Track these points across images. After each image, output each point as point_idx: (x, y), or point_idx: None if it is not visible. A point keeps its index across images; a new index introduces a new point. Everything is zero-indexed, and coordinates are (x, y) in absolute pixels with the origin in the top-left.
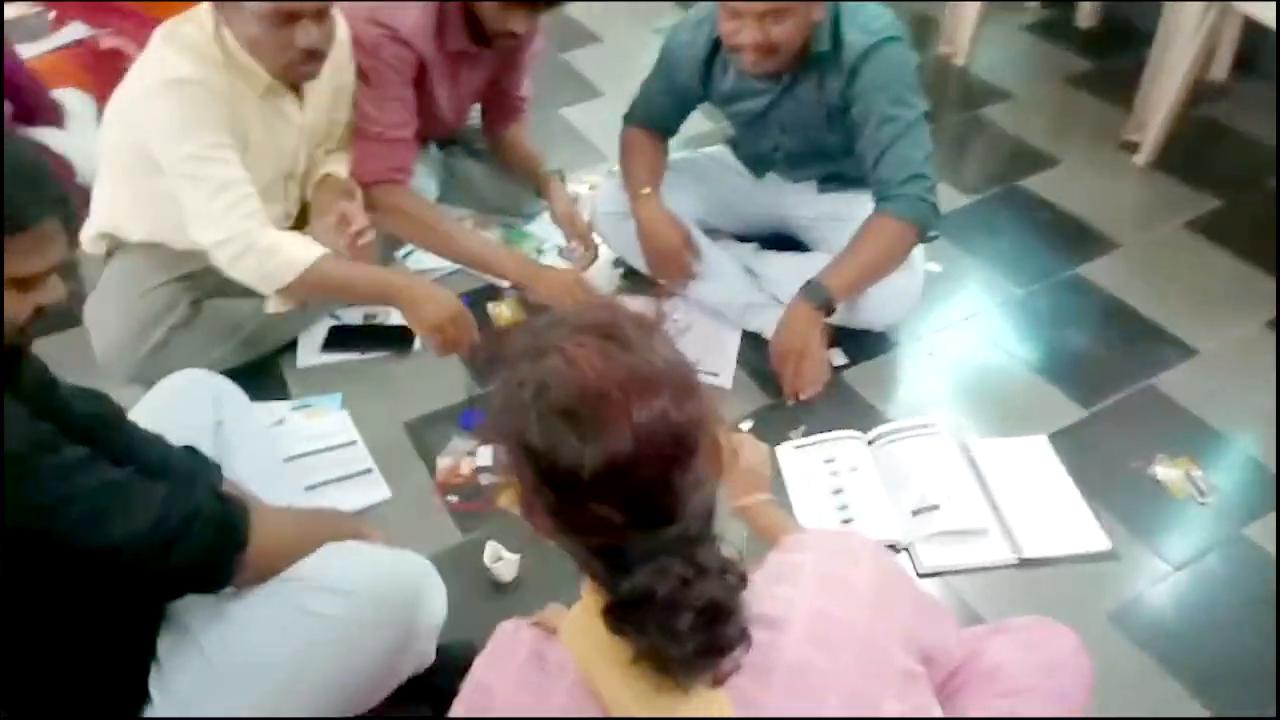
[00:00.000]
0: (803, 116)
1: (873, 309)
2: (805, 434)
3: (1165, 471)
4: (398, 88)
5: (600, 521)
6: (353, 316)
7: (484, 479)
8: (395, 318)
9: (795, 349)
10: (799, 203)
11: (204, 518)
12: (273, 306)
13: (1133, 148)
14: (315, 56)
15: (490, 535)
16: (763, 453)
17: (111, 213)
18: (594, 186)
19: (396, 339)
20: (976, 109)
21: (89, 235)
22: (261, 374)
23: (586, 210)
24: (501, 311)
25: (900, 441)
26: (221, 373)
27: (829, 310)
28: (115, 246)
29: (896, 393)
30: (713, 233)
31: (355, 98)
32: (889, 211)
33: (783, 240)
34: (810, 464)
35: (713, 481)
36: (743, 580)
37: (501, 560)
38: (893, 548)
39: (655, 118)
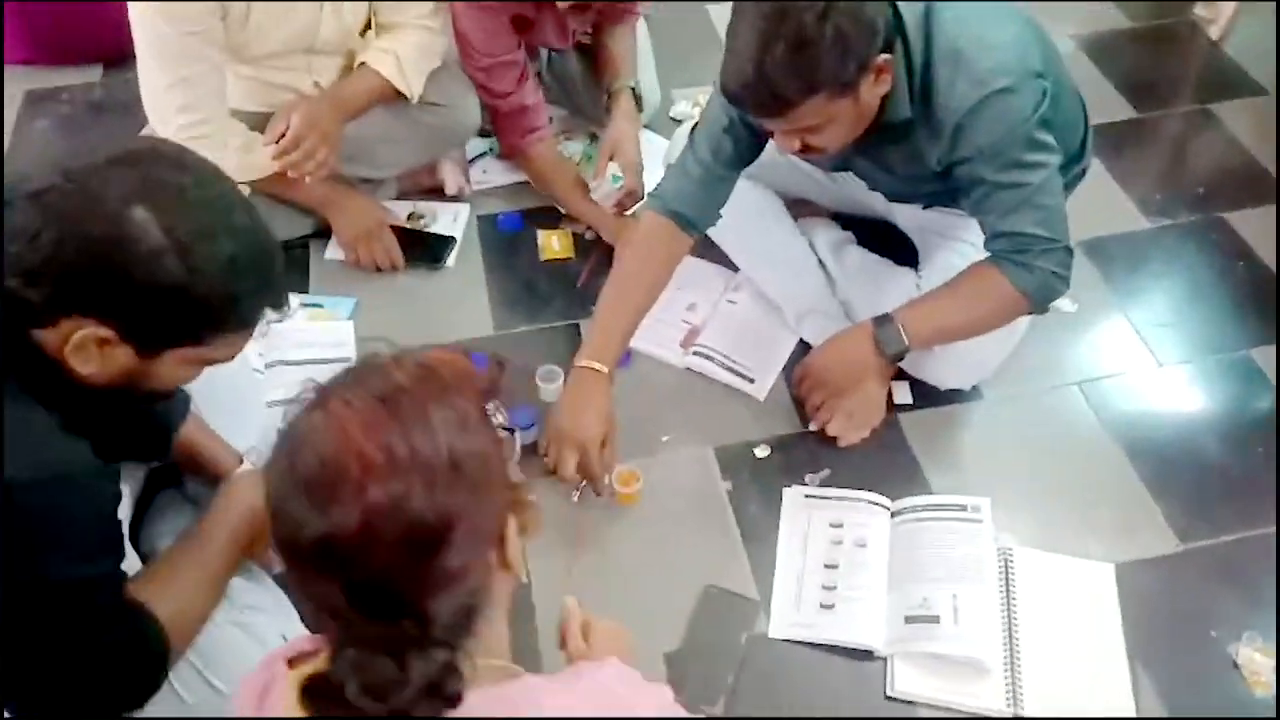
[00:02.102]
0: (891, 172)
1: (938, 365)
2: (824, 482)
3: (1249, 655)
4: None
5: (319, 594)
6: (399, 211)
7: None
8: (441, 222)
9: (832, 383)
10: (901, 209)
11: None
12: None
13: None
14: None
15: None
16: (621, 644)
17: None
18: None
19: (430, 252)
20: (1211, 101)
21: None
22: (285, 257)
23: (668, 147)
24: (550, 242)
25: (930, 523)
26: None
27: (897, 357)
28: None
29: (956, 456)
30: (799, 205)
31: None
32: (1007, 273)
33: (888, 231)
34: (814, 523)
35: (482, 585)
36: (452, 702)
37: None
38: (868, 654)
39: (700, 201)
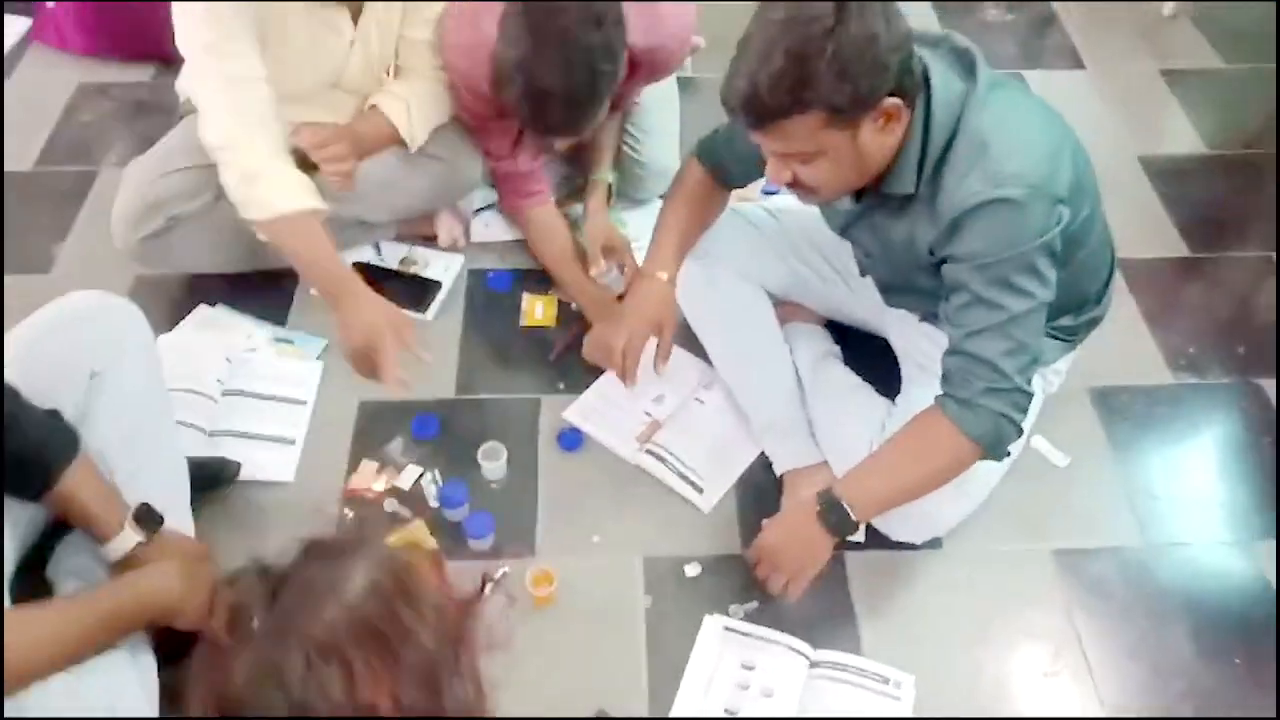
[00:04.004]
0: (888, 249)
1: (895, 522)
2: (749, 615)
3: None
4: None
5: None
6: (391, 255)
7: (390, 505)
8: (432, 269)
9: (786, 566)
10: (895, 323)
11: None
12: (260, 236)
13: None
14: None
15: None
16: None
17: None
18: None
19: (414, 296)
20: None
21: (180, 84)
22: (270, 286)
23: None
24: (534, 308)
25: (846, 686)
26: (230, 277)
27: (846, 532)
28: (188, 110)
29: (897, 611)
30: (791, 309)
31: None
32: (951, 417)
33: (881, 351)
34: (725, 660)
35: None
36: None
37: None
38: None
39: (732, 159)
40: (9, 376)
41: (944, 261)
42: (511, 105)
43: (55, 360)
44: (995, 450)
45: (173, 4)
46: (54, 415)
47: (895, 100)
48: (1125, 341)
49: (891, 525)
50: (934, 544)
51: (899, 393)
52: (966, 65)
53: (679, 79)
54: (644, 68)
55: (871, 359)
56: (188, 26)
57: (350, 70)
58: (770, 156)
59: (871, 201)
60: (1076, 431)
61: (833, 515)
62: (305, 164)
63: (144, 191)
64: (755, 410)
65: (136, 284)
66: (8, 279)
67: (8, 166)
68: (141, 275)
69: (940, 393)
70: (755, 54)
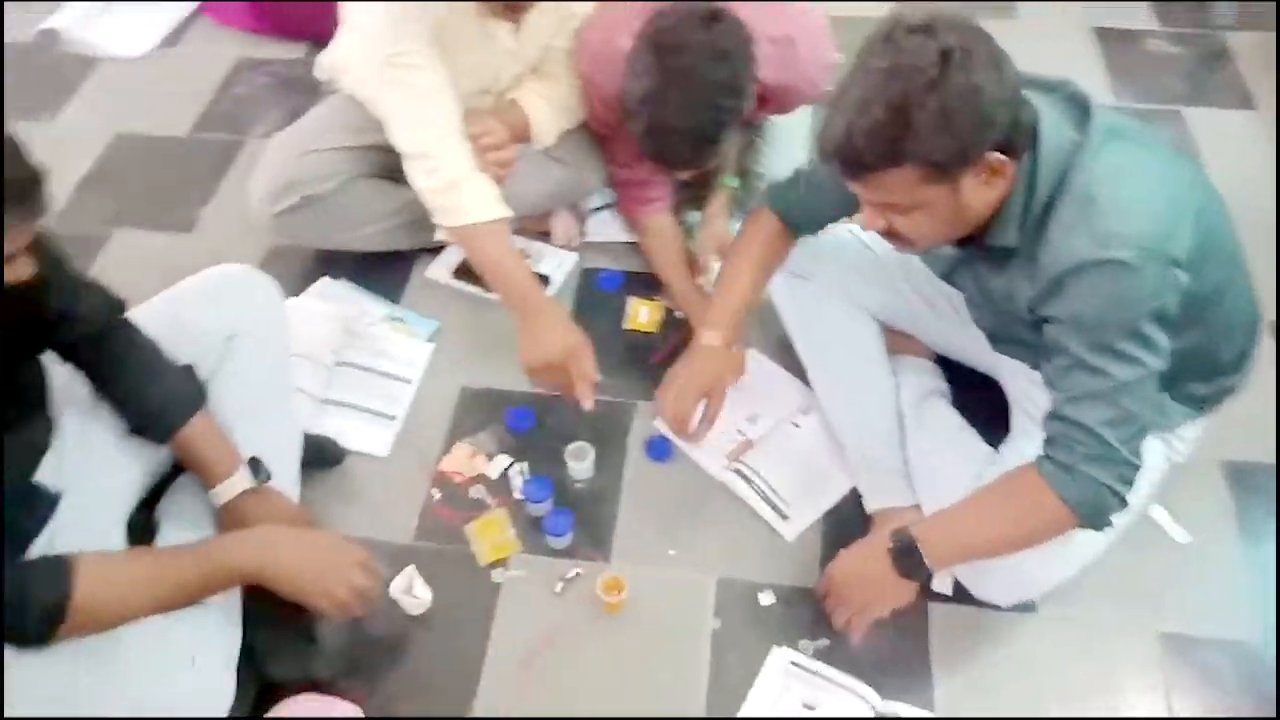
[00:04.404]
0: (990, 300)
1: (976, 574)
2: (818, 653)
3: None
4: (613, 128)
5: None
6: None
7: (476, 491)
8: (545, 265)
9: (852, 600)
10: (1007, 368)
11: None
12: (440, 235)
13: None
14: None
15: (432, 558)
16: None
17: (337, 51)
18: None
19: None
20: None
21: (321, 61)
22: (387, 267)
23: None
24: (639, 312)
25: None
26: (350, 256)
27: (917, 575)
28: (332, 88)
29: (977, 671)
30: (902, 340)
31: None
32: (1050, 480)
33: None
34: (787, 697)
35: None
36: None
37: (413, 594)
38: None
39: (807, 208)
40: (154, 333)
41: (1044, 320)
42: (635, 137)
43: (196, 322)
44: (1094, 521)
45: (349, 14)
46: (188, 370)
47: (999, 155)
48: (1270, 414)
49: (976, 580)
50: (1027, 606)
51: (1005, 441)
52: (1081, 112)
53: None
54: (774, 102)
55: (982, 402)
56: (369, 37)
57: (504, 76)
58: (865, 204)
59: (973, 250)
60: (1203, 508)
61: (905, 556)
62: None
63: (283, 170)
64: (852, 443)
65: (269, 251)
66: (156, 236)
67: (166, 132)
68: (274, 243)
69: (1042, 452)
70: (854, 103)
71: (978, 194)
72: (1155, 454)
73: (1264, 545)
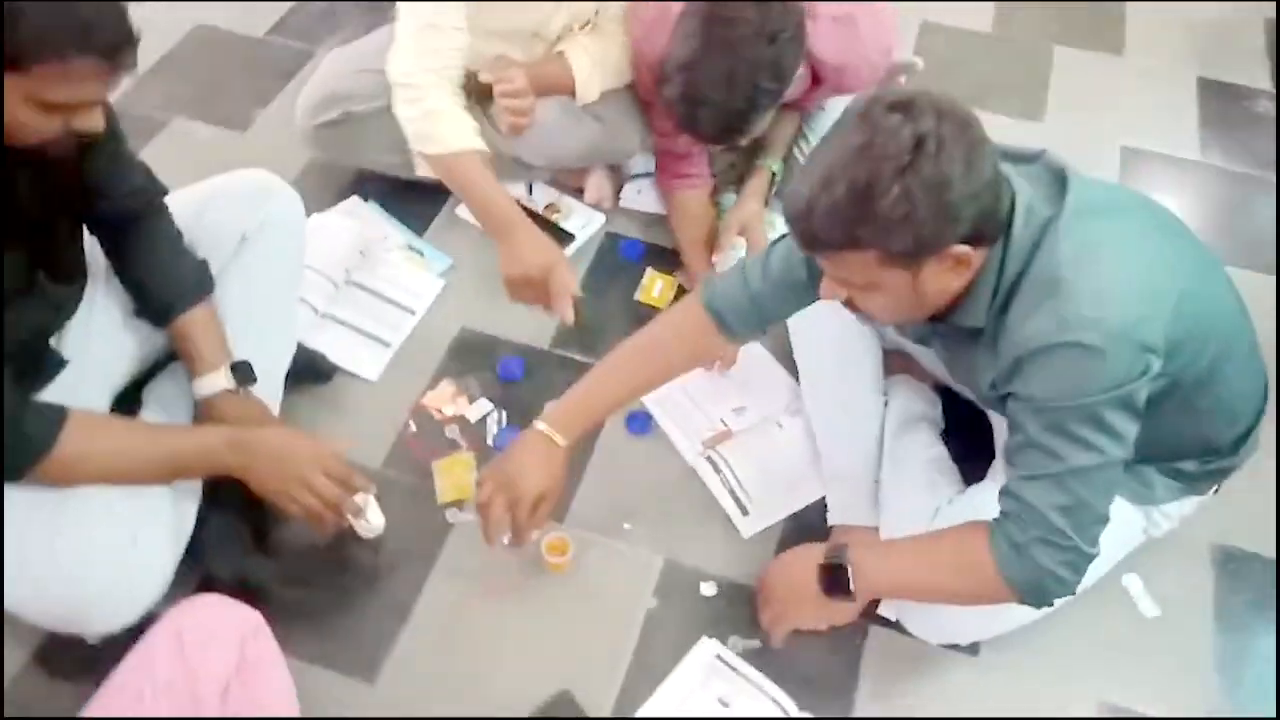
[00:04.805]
0: (959, 371)
1: (908, 608)
2: (746, 652)
3: None
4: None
5: None
6: (540, 197)
7: (451, 431)
8: (572, 221)
9: (776, 604)
10: (993, 409)
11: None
12: (420, 170)
13: None
14: None
15: (393, 487)
16: None
17: None
18: None
19: None
20: None
21: None
22: (420, 198)
23: None
24: (653, 284)
25: None
26: (391, 179)
27: (838, 594)
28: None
29: (901, 702)
30: (903, 359)
31: None
32: (995, 553)
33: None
34: (705, 688)
35: None
36: None
37: (365, 518)
38: None
39: (739, 307)
40: (181, 222)
41: (1004, 397)
42: (668, 103)
43: (216, 220)
44: (1035, 601)
45: None
46: (202, 264)
47: (964, 248)
48: (1270, 502)
49: (907, 615)
50: (971, 648)
51: (977, 484)
52: (1058, 185)
53: None
54: (829, 83)
55: (976, 438)
56: None
57: (553, 22)
58: (825, 275)
59: (940, 325)
60: (1181, 585)
61: (833, 574)
62: (487, 96)
63: (331, 82)
64: (829, 456)
65: (310, 163)
66: (209, 130)
67: (243, 30)
68: (316, 157)
69: (999, 515)
70: (820, 176)
71: (939, 281)
72: (1132, 525)
73: (1236, 636)
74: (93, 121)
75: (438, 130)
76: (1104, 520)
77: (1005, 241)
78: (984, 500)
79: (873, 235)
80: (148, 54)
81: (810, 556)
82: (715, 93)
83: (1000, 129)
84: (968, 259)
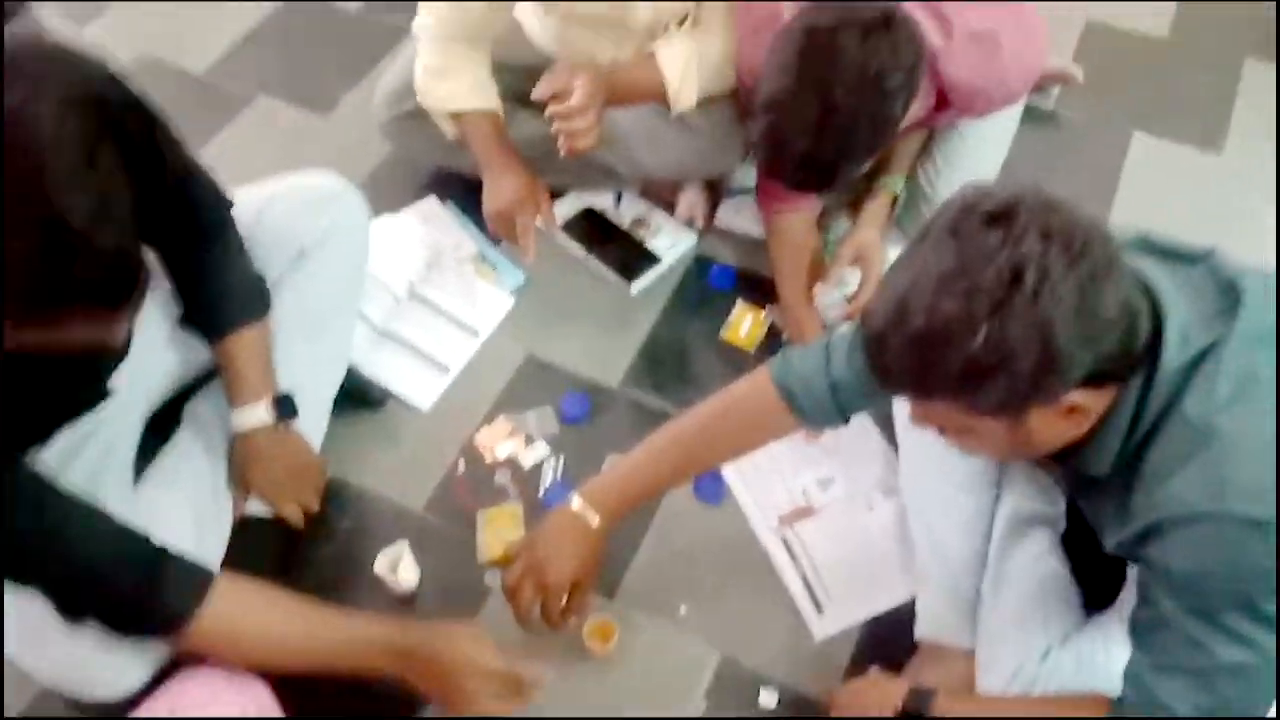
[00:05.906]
0: (1090, 510)
1: None
2: None
3: None
4: None
5: None
6: (628, 210)
7: (502, 476)
8: (658, 242)
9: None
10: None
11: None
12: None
13: None
14: None
15: (432, 536)
16: None
17: None
18: None
19: (627, 265)
20: None
21: None
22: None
23: None
24: (741, 322)
25: None
26: (470, 181)
27: None
28: None
29: None
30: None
31: None
32: None
33: None
34: None
35: None
36: None
37: (396, 573)
38: None
39: (814, 388)
40: (240, 222)
41: (1133, 557)
42: (751, 143)
43: (275, 230)
44: None
45: None
46: (260, 280)
47: (1080, 395)
48: None
49: None
50: None
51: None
52: (1228, 300)
53: (1027, 108)
54: (958, 105)
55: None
56: None
57: (638, 12)
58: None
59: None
60: None
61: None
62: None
63: (405, 74)
64: (923, 551)
65: (390, 155)
66: (293, 111)
67: (338, 3)
68: (396, 153)
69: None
70: (895, 301)
71: (1050, 430)
72: None
73: None
74: (116, 336)
75: (438, 87)
76: None
77: (1149, 380)
78: (1107, 649)
79: (955, 388)
80: (239, 23)
81: (888, 695)
82: (802, 140)
83: (1168, 158)
84: (1084, 408)
